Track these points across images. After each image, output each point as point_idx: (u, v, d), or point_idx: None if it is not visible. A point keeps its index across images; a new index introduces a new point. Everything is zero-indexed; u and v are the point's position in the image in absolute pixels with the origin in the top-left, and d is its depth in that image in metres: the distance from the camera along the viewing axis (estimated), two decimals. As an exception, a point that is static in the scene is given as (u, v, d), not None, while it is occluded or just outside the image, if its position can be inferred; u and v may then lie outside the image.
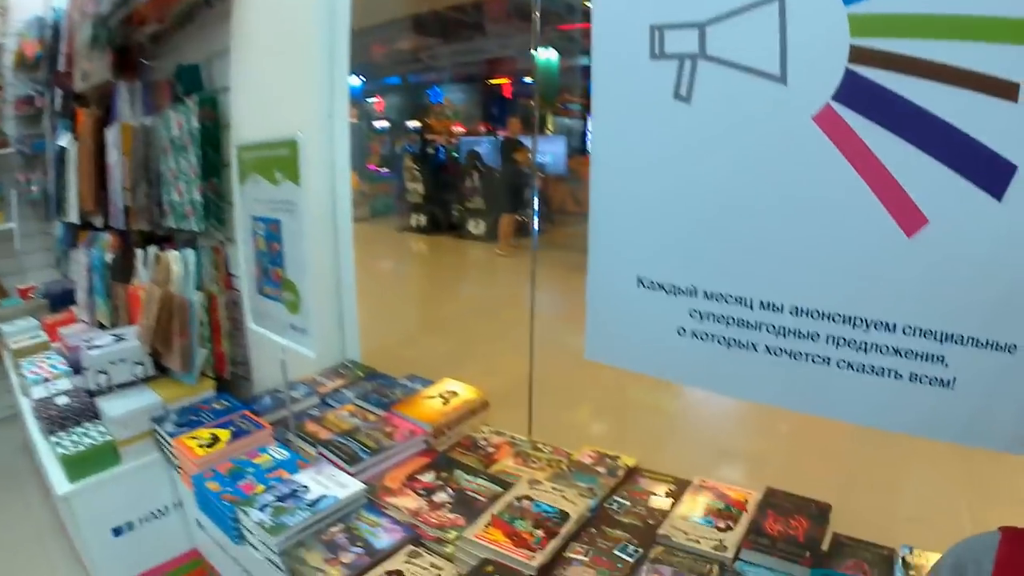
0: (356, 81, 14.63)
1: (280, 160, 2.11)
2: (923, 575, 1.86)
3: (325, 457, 2.17)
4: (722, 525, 1.84)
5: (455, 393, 2.51)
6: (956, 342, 1.84)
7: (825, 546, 1.84)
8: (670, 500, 1.99)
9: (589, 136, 1.86)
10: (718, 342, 1.90)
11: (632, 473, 2.15)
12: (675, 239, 1.87)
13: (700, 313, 1.89)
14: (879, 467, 3.96)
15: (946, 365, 1.86)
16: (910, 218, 1.73)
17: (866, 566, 1.85)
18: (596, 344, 2.02)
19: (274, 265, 2.26)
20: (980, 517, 3.98)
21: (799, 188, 1.77)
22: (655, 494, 2.02)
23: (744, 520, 1.87)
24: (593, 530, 1.83)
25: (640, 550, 1.74)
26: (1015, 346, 1.79)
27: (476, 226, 11.05)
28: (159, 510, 2.69)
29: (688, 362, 1.95)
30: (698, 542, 1.76)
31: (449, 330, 6.13)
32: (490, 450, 2.29)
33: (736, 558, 1.74)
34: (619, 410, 4.36)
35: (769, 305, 1.85)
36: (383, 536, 1.84)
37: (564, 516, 1.83)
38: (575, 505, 1.88)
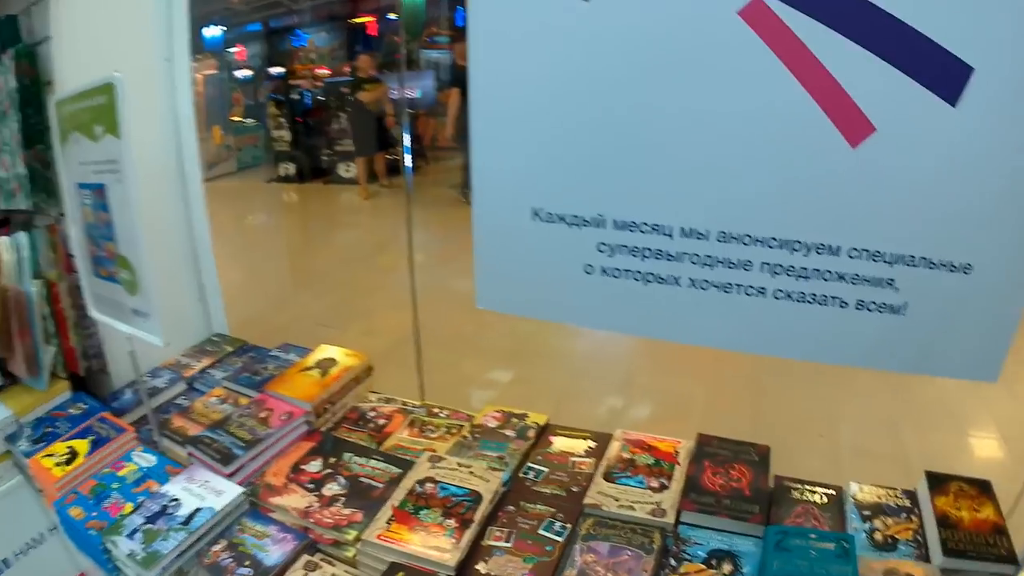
0: (216, 31, 14.14)
1: (98, 111, 1.75)
2: (876, 512, 1.75)
3: (196, 458, 1.89)
4: (655, 484, 1.69)
5: (334, 361, 2.23)
6: (907, 264, 1.67)
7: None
8: (592, 460, 1.81)
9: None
10: (633, 278, 1.70)
11: (544, 432, 1.95)
12: (577, 162, 1.63)
13: (610, 246, 1.67)
14: (805, 400, 3.91)
15: (896, 289, 1.70)
16: (855, 126, 1.53)
17: (816, 511, 1.73)
18: (488, 290, 1.81)
19: (105, 239, 1.91)
20: (918, 444, 4.01)
21: (724, 96, 1.53)
22: (574, 455, 1.85)
23: (679, 475, 1.73)
24: (511, 508, 1.64)
25: (567, 526, 1.58)
26: (970, 266, 1.66)
27: (347, 170, 10.84)
28: (34, 539, 2.39)
29: (598, 303, 1.75)
30: (632, 508, 1.61)
31: (322, 286, 5.82)
32: (380, 422, 2.08)
33: (678, 521, 1.60)
34: (519, 359, 4.17)
35: (692, 232, 1.63)
36: (273, 549, 1.61)
37: (476, 498, 1.64)
38: (486, 482, 1.69)
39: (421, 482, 1.69)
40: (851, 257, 1.66)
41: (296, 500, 1.69)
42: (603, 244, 1.67)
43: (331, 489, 1.72)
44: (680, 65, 1.51)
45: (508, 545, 1.51)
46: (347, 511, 1.65)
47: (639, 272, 1.68)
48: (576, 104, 1.57)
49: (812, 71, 1.49)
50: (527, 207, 1.67)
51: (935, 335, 1.79)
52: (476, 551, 1.50)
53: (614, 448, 1.82)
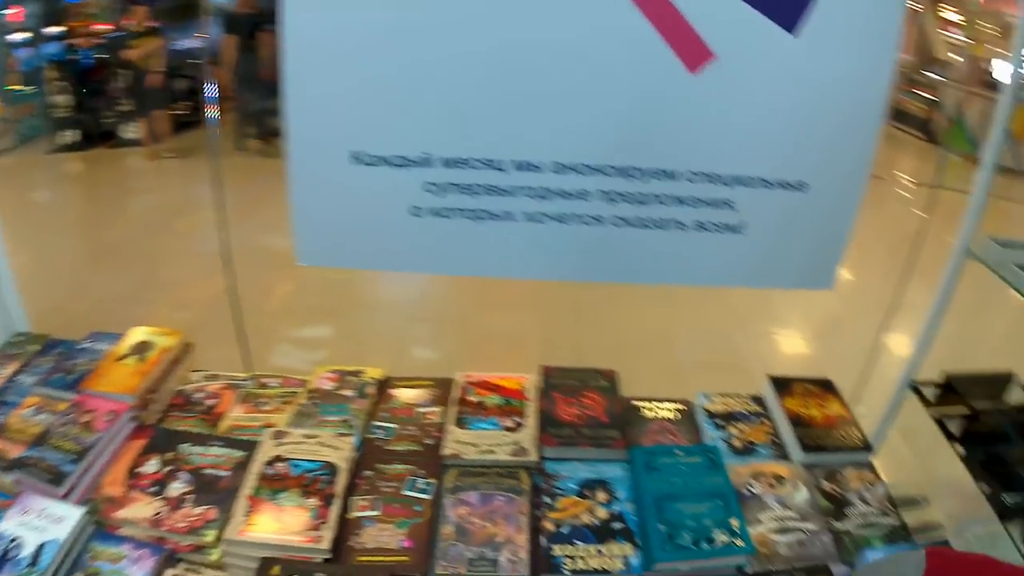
0: (-16, -6, 12.70)
1: None
2: (729, 420, 1.84)
3: (24, 484, 1.65)
4: (510, 424, 1.69)
5: (149, 344, 2.02)
6: (744, 185, 1.73)
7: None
8: (439, 408, 1.77)
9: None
10: (465, 217, 1.66)
11: (384, 387, 1.87)
12: (399, 100, 1.54)
13: (438, 185, 1.62)
14: (636, 321, 4.05)
15: (735, 210, 1.76)
16: (694, 53, 1.55)
17: (671, 427, 1.80)
18: (309, 245, 1.71)
19: None
20: (751, 350, 4.23)
21: (557, 23, 1.50)
22: (420, 406, 1.79)
23: (531, 412, 1.73)
24: (368, 472, 1.58)
25: (431, 481, 1.54)
26: (805, 184, 1.74)
27: (133, 131, 10.12)
28: None
29: (428, 246, 1.71)
30: (493, 452, 1.61)
31: (122, 260, 5.32)
32: (210, 403, 1.90)
33: (541, 458, 1.60)
34: (344, 314, 4.04)
35: (526, 165, 1.61)
36: (132, 571, 1.44)
37: (332, 470, 1.56)
38: (338, 450, 1.62)
39: (270, 463, 1.56)
40: (689, 181, 1.69)
41: (142, 509, 1.51)
42: (431, 184, 1.61)
43: (176, 488, 1.55)
44: None
45: (376, 513, 1.46)
46: (199, 510, 1.50)
47: (471, 210, 1.65)
48: (397, 38, 1.47)
49: None
50: (345, 151, 1.57)
51: (773, 251, 1.88)
52: (345, 526, 1.44)
53: (459, 393, 1.78)
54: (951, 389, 2.18)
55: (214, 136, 5.04)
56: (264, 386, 1.89)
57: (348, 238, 1.68)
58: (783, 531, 1.49)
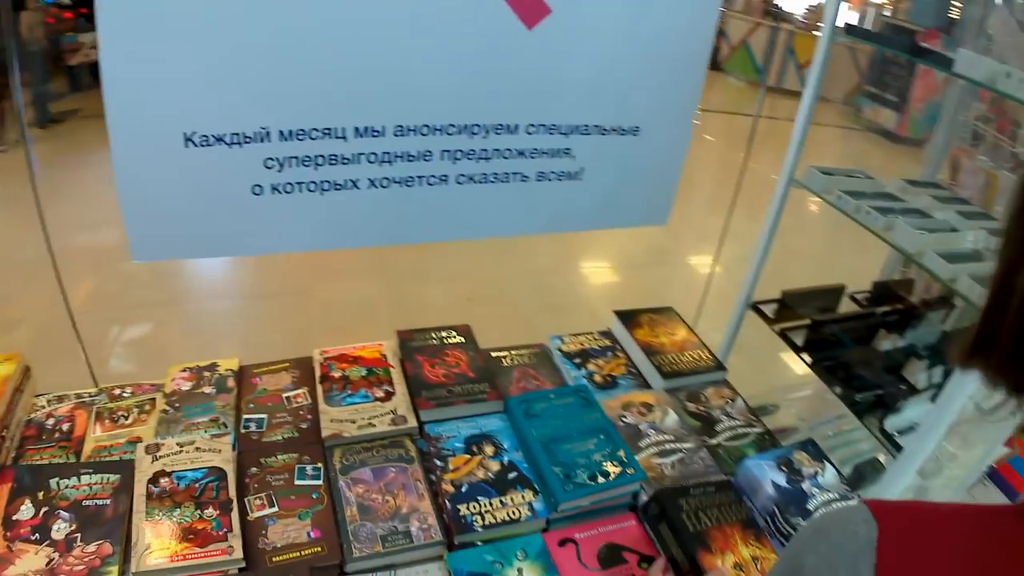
0: None
1: None
2: (585, 358, 1.91)
3: None
4: (380, 394, 1.67)
5: (-16, 374, 1.83)
6: (582, 133, 1.82)
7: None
8: (304, 389, 1.71)
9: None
10: (308, 189, 1.63)
11: (244, 377, 1.77)
12: (232, 70, 1.45)
13: (279, 160, 1.57)
14: (468, 271, 4.09)
15: (573, 158, 1.86)
16: (530, 7, 1.60)
17: (531, 372, 1.85)
18: (144, 240, 1.58)
19: None
20: (585, 287, 4.36)
21: None
22: (285, 391, 1.71)
23: (398, 378, 1.73)
24: (254, 469, 1.50)
25: (318, 466, 1.51)
26: (638, 128, 1.86)
27: None
28: None
29: (272, 225, 1.65)
30: (372, 425, 1.59)
31: None
32: (65, 428, 1.71)
33: (420, 422, 1.61)
34: (180, 305, 3.77)
35: (368, 131, 1.60)
36: None
37: (219, 474, 1.47)
38: (218, 452, 1.53)
39: (153, 481, 1.44)
40: (529, 133, 1.76)
41: (32, 561, 1.32)
42: (270, 159, 1.56)
43: (60, 530, 1.37)
44: None
45: (275, 510, 1.39)
46: (92, 547, 1.34)
47: (314, 182, 1.62)
48: (227, 10, 1.37)
49: None
50: (178, 134, 1.46)
51: (611, 193, 2.01)
52: (249, 530, 1.36)
53: (320, 370, 1.73)
54: (788, 305, 2.37)
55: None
56: (117, 398, 1.72)
57: (187, 227, 1.58)
58: (664, 454, 1.62)
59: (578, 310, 4.00)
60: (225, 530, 1.32)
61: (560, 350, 1.91)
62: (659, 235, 4.66)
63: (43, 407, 1.77)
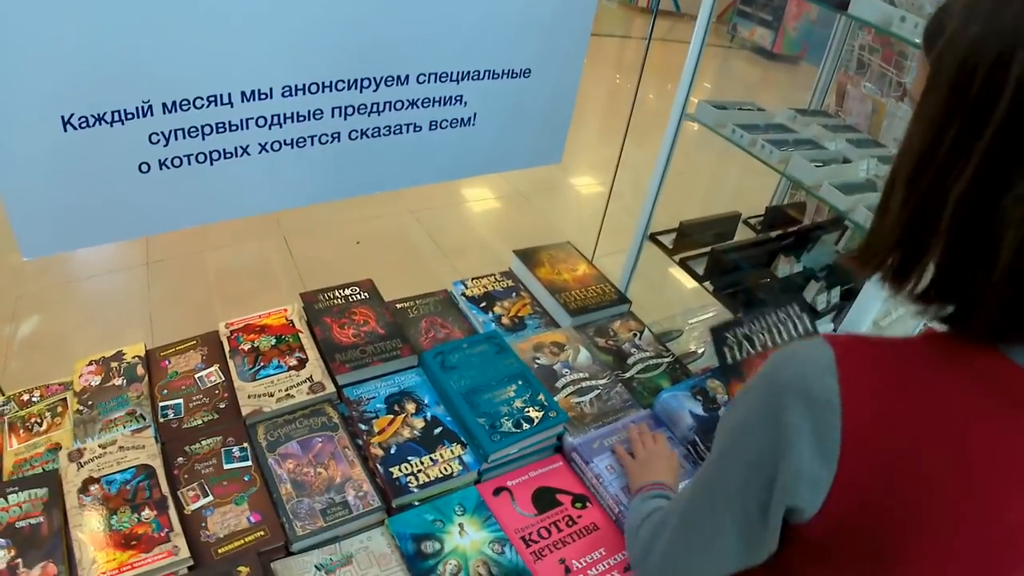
0: None
1: None
2: (490, 301, 1.91)
3: None
4: (293, 362, 1.62)
5: None
6: (473, 78, 1.80)
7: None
8: (216, 367, 1.63)
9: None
10: (197, 161, 1.53)
11: (152, 362, 1.67)
12: (105, 42, 1.33)
13: (163, 135, 1.47)
14: (357, 225, 3.96)
15: (465, 104, 1.83)
16: None
17: (440, 320, 1.83)
18: (32, 235, 1.45)
19: None
20: (476, 223, 4.38)
21: None
22: (197, 371, 1.62)
23: (308, 343, 1.68)
24: (180, 459, 1.42)
25: (244, 446, 1.44)
26: (529, 70, 1.85)
27: None
28: None
29: (162, 202, 1.55)
30: (291, 396, 1.54)
31: None
32: None
33: (338, 387, 1.57)
34: (59, 293, 3.42)
35: (254, 94, 1.51)
36: None
37: (148, 471, 1.39)
38: (142, 448, 1.44)
39: (83, 490, 1.36)
40: (419, 83, 1.71)
41: None
42: (156, 134, 1.45)
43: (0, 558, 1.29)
44: None
45: (210, 499, 1.34)
46: (36, 570, 1.25)
47: (203, 153, 1.53)
48: None
49: None
50: (55, 118, 1.33)
51: (505, 136, 1.99)
52: (189, 524, 1.30)
53: (228, 344, 1.66)
54: (685, 234, 2.43)
55: None
56: (27, 404, 1.62)
57: (75, 215, 1.46)
58: (581, 392, 1.64)
59: (472, 248, 3.97)
60: (166, 530, 1.27)
61: (464, 295, 1.90)
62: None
63: (-57, 427, 1.59)
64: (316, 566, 1.25)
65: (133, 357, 1.65)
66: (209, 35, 1.39)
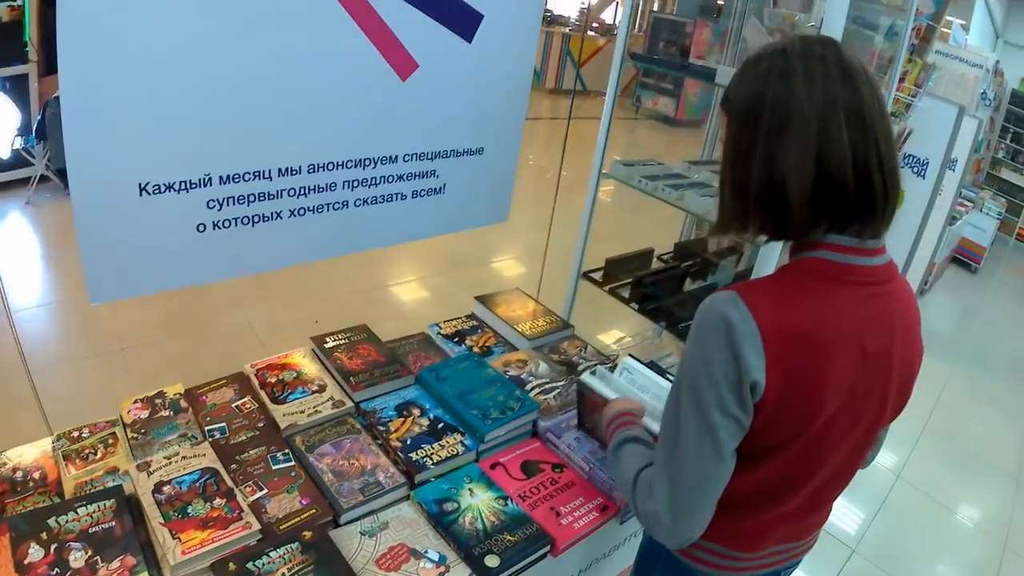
0: None
1: None
2: (461, 336, 2.25)
3: None
4: (315, 388, 1.90)
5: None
6: (443, 156, 2.25)
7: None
8: (249, 398, 1.88)
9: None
10: (241, 223, 1.87)
11: (192, 396, 1.90)
12: (180, 128, 1.68)
13: (218, 201, 1.80)
14: (337, 284, 4.29)
15: (437, 176, 2.27)
16: (404, 64, 1.99)
17: (424, 353, 2.14)
18: (101, 282, 1.72)
19: None
20: (440, 279, 4.77)
21: (310, 51, 1.81)
22: (232, 401, 1.87)
23: (322, 373, 1.96)
24: (234, 466, 1.66)
25: (287, 451, 1.71)
26: (482, 148, 2.34)
27: None
28: None
29: (214, 257, 1.87)
30: (318, 411, 1.82)
31: None
32: (37, 476, 1.66)
33: (356, 403, 1.86)
34: (80, 354, 3.58)
35: (287, 170, 1.89)
36: None
37: (212, 472, 1.61)
38: (204, 456, 1.67)
39: (156, 491, 1.54)
40: (406, 161, 2.14)
41: None
42: (212, 200, 1.78)
43: (77, 559, 1.40)
44: (268, 23, 1.69)
45: (265, 491, 1.58)
46: (115, 564, 1.38)
47: (247, 217, 1.86)
48: (174, 71, 1.59)
49: (373, 23, 1.85)
50: (133, 185, 1.64)
51: (465, 201, 2.43)
52: (256, 511, 1.53)
53: (256, 381, 1.92)
54: (611, 270, 2.87)
55: None
56: (78, 439, 1.75)
57: (138, 267, 1.71)
58: (545, 392, 1.99)
59: (442, 301, 4.38)
60: (237, 511, 1.49)
61: (440, 334, 2.23)
62: (464, 244, 5.11)
63: (4, 463, 1.73)
64: (361, 532, 1.51)
65: (175, 394, 1.86)
66: (257, 124, 1.75)
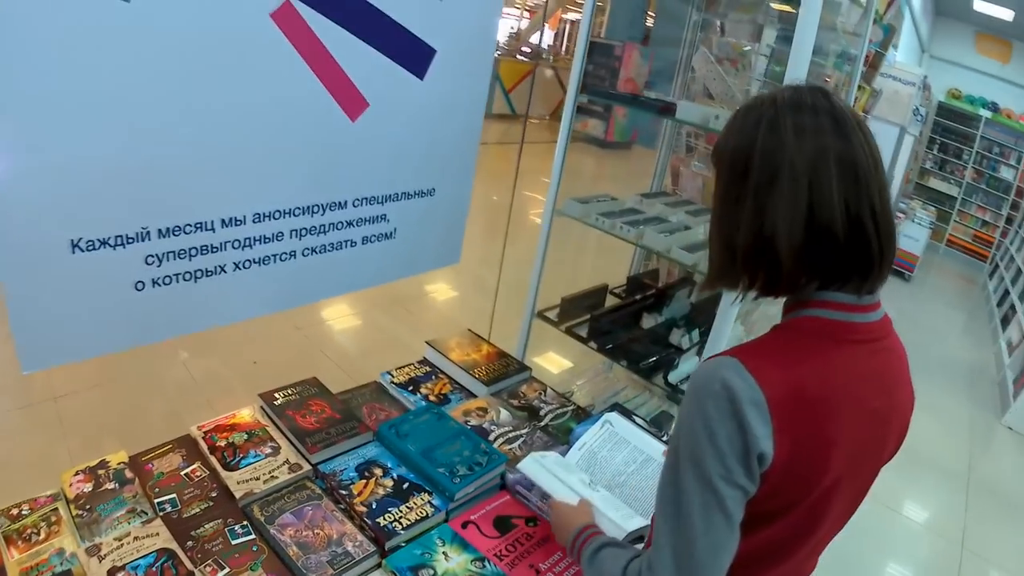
0: None
1: None
2: (415, 384, 2.15)
3: None
4: (268, 450, 1.77)
5: None
6: (393, 199, 2.17)
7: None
8: (198, 464, 1.74)
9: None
10: (183, 279, 1.74)
11: (137, 465, 1.74)
12: (113, 177, 1.54)
13: (158, 256, 1.67)
14: (269, 337, 4.09)
15: (388, 221, 2.19)
16: (354, 104, 1.91)
17: (378, 405, 2.04)
18: (33, 350, 1.56)
19: None
20: (388, 322, 4.63)
21: (254, 91, 1.70)
22: (181, 469, 1.73)
23: (276, 434, 1.84)
24: (189, 543, 1.51)
25: (244, 523, 1.56)
26: (434, 189, 2.27)
27: None
28: None
29: (153, 317, 1.74)
30: (275, 477, 1.69)
31: None
32: None
33: (313, 465, 1.74)
34: (37, 406, 3.29)
35: (231, 220, 1.77)
36: None
37: (169, 554, 1.46)
38: (157, 535, 1.52)
39: None
40: (355, 206, 2.05)
41: None
42: (151, 256, 1.65)
43: None
44: (216, 66, 1.59)
45: (227, 570, 1.44)
46: None
47: (189, 272, 1.73)
48: (113, 118, 1.47)
49: (324, 62, 1.76)
50: (64, 241, 1.50)
51: (416, 245, 2.33)
52: None
53: (204, 443, 1.78)
54: (566, 308, 2.82)
55: None
56: (17, 517, 1.59)
57: (72, 330, 1.57)
58: (509, 441, 1.91)
59: (393, 347, 4.17)
60: None
61: (393, 383, 2.12)
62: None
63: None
64: None
65: (118, 463, 1.70)
66: (197, 171, 1.62)
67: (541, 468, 1.68)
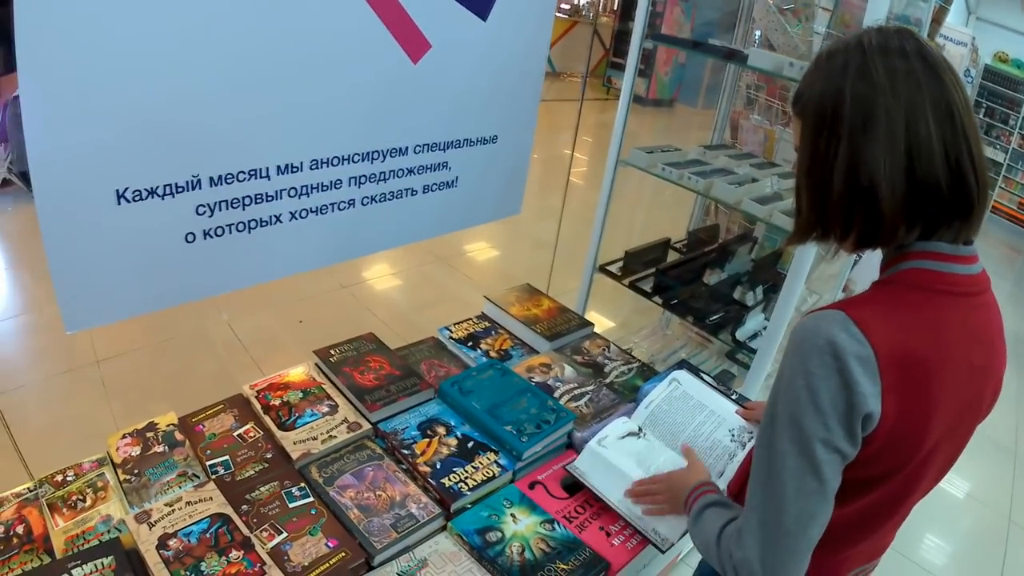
0: None
1: None
2: (476, 339, 2.05)
3: None
4: (325, 409, 1.67)
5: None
6: (456, 147, 2.04)
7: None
8: (251, 424, 1.64)
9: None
10: (237, 230, 1.62)
11: (187, 426, 1.64)
12: (161, 123, 1.41)
13: (209, 206, 1.55)
14: (329, 288, 4.01)
15: (450, 169, 2.06)
16: (416, 45, 1.76)
17: (436, 360, 1.95)
18: (78, 307, 1.44)
19: None
20: (445, 276, 4.52)
21: (312, 32, 1.55)
22: (233, 429, 1.63)
23: (334, 392, 1.74)
24: (245, 507, 1.41)
25: (302, 485, 1.46)
26: (496, 136, 2.13)
27: None
28: None
29: (204, 270, 1.61)
30: (333, 436, 1.59)
31: None
32: (20, 531, 1.41)
33: (373, 424, 1.64)
34: (80, 370, 3.21)
35: (287, 167, 1.63)
36: None
37: (224, 519, 1.37)
38: (211, 500, 1.42)
39: (161, 546, 1.30)
40: (416, 153, 1.92)
41: None
42: (202, 206, 1.52)
43: None
44: (270, 3, 1.45)
45: (284, 535, 1.35)
46: None
47: (242, 223, 1.61)
48: (151, 57, 1.32)
49: (386, 2, 1.63)
50: (110, 192, 1.37)
51: (478, 195, 2.21)
52: (278, 559, 1.30)
53: (258, 403, 1.68)
54: (629, 263, 2.69)
55: None
56: (62, 484, 1.50)
57: (120, 287, 1.45)
58: (576, 398, 1.79)
59: (451, 301, 4.08)
60: (258, 564, 1.26)
61: (451, 338, 2.01)
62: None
63: (-11, 520, 1.46)
64: (398, 574, 1.30)
65: (168, 425, 1.60)
66: (252, 114, 1.50)
67: (597, 464, 1.56)
